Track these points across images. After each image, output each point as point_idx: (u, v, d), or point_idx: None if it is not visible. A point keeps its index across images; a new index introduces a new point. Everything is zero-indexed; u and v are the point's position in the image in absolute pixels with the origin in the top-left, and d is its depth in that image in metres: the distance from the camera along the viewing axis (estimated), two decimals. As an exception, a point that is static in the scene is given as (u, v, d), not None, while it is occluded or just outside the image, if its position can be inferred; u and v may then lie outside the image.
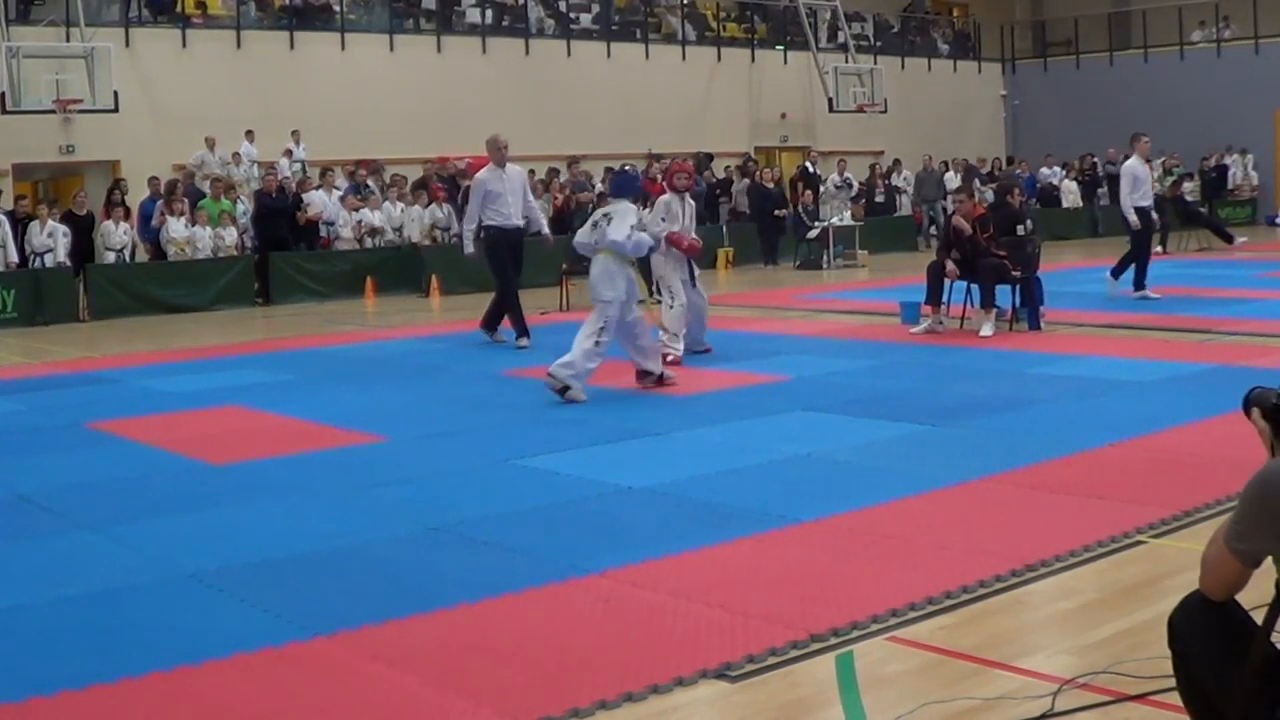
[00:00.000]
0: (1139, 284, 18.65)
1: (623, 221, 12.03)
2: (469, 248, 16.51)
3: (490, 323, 16.44)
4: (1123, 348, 13.92)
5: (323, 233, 24.84)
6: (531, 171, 28.36)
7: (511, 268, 16.13)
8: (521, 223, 16.19)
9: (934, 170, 33.56)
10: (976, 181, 30.94)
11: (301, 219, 24.17)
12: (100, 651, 5.58)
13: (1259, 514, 3.43)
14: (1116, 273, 19.22)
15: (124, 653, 5.53)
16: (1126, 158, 20.65)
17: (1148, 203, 18.91)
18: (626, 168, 14.34)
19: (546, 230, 17.53)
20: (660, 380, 12.37)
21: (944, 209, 30.76)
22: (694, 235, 14.53)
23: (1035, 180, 34.92)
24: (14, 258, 21.63)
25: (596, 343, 11.81)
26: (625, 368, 12.59)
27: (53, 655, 5.56)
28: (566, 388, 11.61)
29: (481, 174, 16.35)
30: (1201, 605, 3.67)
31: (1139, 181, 18.84)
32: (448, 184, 25.94)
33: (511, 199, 15.95)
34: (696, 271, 14.57)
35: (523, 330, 15.98)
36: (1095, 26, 41.49)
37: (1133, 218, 18.58)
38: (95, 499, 8.56)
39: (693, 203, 14.92)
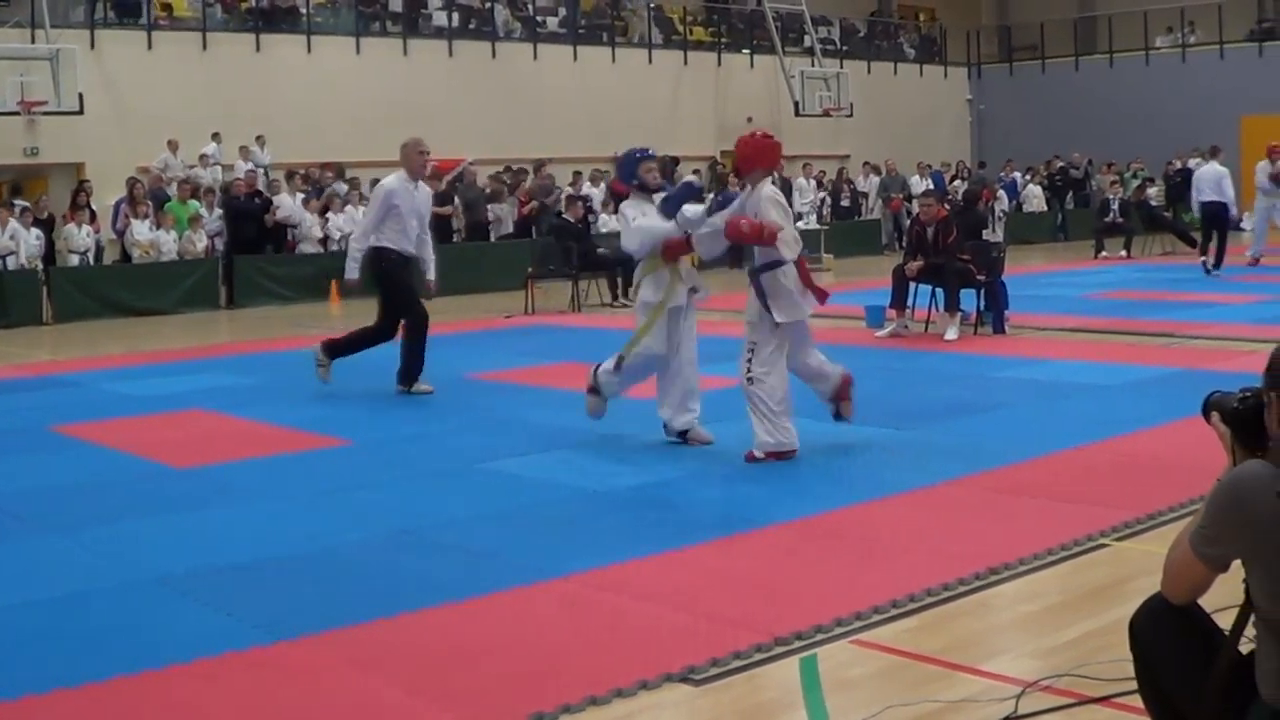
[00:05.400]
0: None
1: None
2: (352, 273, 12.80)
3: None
4: (1087, 351, 13.97)
5: (288, 236, 24.79)
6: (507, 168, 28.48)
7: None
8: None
9: (898, 175, 33.63)
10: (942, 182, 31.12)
11: (270, 221, 24.12)
12: (64, 656, 5.55)
13: (1229, 518, 3.43)
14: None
15: (88, 657, 5.51)
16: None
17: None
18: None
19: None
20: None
21: (908, 212, 30.85)
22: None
23: (1015, 185, 34.90)
24: None
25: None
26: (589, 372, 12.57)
27: (16, 659, 5.52)
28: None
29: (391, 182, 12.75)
30: (1163, 608, 3.68)
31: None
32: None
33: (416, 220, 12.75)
34: None
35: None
36: (1061, 31, 41.67)
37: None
38: (59, 503, 8.51)
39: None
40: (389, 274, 12.64)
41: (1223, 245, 22.70)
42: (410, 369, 12.65)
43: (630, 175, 9.87)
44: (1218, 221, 22.78)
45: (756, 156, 9.32)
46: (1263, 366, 3.50)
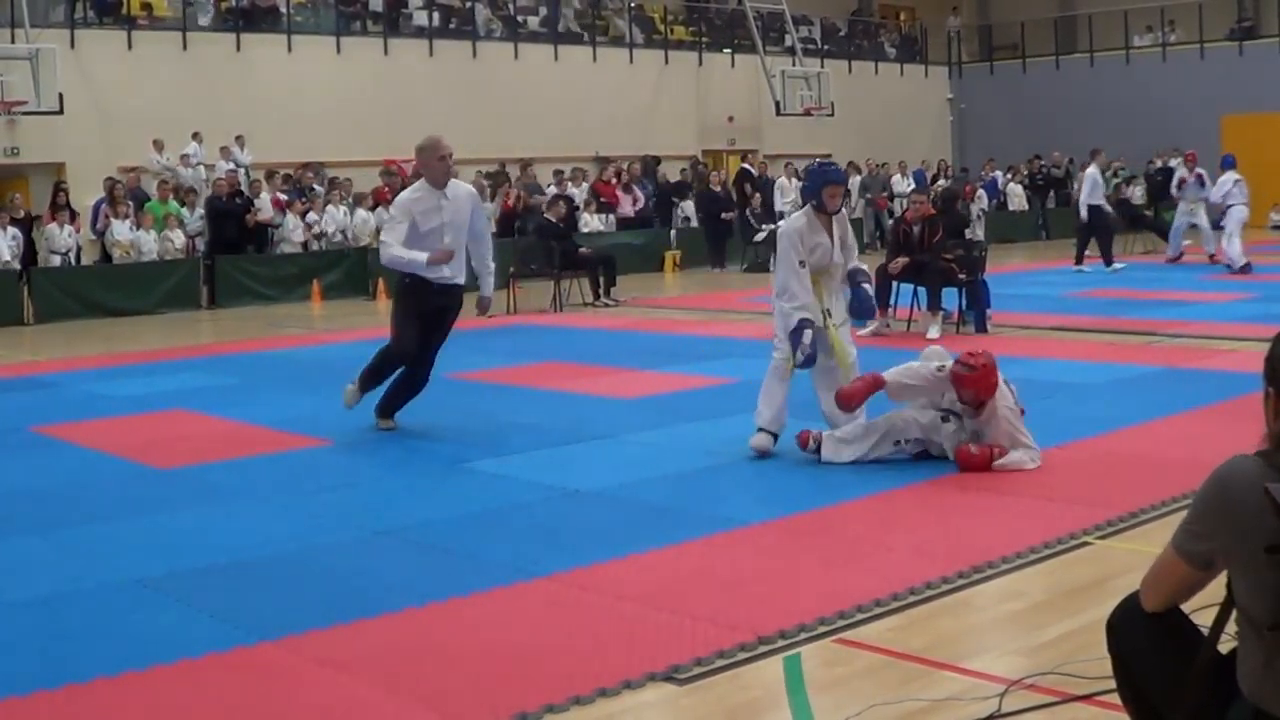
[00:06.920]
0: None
1: None
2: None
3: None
4: (1069, 350, 13.99)
5: (269, 235, 24.76)
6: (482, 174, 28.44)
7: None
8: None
9: (879, 174, 33.63)
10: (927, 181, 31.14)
11: (251, 221, 24.09)
12: (45, 658, 5.53)
13: (1214, 512, 3.43)
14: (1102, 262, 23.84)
15: (69, 659, 5.49)
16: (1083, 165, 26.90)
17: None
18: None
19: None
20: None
21: (890, 211, 30.86)
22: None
23: (996, 184, 34.92)
24: None
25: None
26: (570, 371, 12.57)
27: (-5, 662, 5.51)
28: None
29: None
30: (1141, 607, 3.68)
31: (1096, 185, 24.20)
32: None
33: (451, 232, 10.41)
34: None
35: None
36: (1041, 30, 41.73)
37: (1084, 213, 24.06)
38: (39, 504, 8.48)
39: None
40: (395, 296, 11.07)
41: (1083, 246, 24.21)
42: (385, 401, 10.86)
43: (813, 193, 9.76)
44: (1101, 223, 24.05)
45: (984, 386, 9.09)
46: (1242, 365, 3.52)
